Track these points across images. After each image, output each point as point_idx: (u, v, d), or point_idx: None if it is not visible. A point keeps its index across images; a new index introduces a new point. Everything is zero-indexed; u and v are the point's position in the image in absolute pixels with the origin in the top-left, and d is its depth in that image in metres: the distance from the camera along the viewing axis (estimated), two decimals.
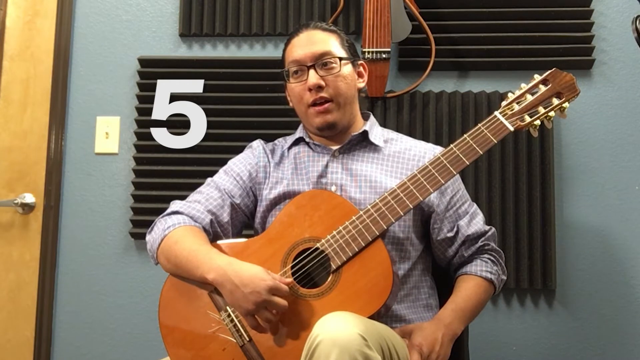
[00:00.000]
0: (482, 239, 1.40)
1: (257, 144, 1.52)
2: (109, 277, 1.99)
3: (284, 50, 1.46)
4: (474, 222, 1.41)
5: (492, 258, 1.41)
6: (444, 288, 1.46)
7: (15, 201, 2.02)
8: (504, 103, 1.24)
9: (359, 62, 1.47)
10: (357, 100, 1.46)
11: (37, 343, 1.98)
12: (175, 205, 1.42)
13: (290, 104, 1.47)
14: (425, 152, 1.43)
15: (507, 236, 1.83)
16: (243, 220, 1.47)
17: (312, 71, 1.37)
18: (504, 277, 1.42)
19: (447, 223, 1.39)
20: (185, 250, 1.29)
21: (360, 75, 1.47)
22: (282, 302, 1.18)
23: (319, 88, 1.36)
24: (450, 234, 1.39)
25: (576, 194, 1.88)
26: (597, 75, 1.92)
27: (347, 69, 1.40)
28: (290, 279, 1.23)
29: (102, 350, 1.97)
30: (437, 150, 1.44)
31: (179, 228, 1.35)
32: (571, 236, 1.87)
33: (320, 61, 1.37)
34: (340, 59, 1.39)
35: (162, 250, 1.34)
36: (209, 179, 1.47)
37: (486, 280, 1.37)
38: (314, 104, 1.38)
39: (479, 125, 1.25)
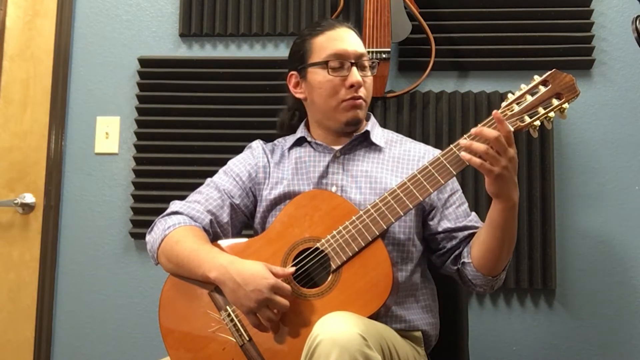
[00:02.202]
0: None
1: (257, 144, 1.52)
2: (109, 277, 1.99)
3: (312, 40, 1.42)
4: (480, 225, 1.40)
5: None
6: (443, 289, 1.46)
7: (15, 201, 2.02)
8: (504, 104, 1.24)
9: None
10: None
11: (37, 343, 1.98)
12: (175, 205, 1.42)
13: (302, 96, 1.45)
14: (425, 153, 1.43)
15: None
16: (243, 221, 1.46)
17: (355, 68, 1.38)
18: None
19: (447, 221, 1.37)
20: (187, 249, 1.29)
21: None
22: (283, 301, 1.18)
23: (359, 87, 1.38)
24: (450, 225, 1.37)
25: (576, 194, 1.88)
26: (597, 75, 1.92)
27: (374, 73, 1.44)
28: (292, 269, 1.23)
29: (102, 350, 1.97)
30: (437, 152, 1.44)
31: (179, 228, 1.35)
32: (571, 236, 1.87)
33: (361, 61, 1.39)
34: (377, 63, 1.44)
35: (163, 250, 1.34)
36: (208, 179, 1.47)
37: None
38: (351, 99, 1.38)
39: (479, 125, 1.24)
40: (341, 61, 1.38)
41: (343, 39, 1.40)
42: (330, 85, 1.38)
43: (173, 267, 1.32)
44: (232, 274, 1.20)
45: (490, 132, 1.16)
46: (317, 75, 1.40)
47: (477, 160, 1.17)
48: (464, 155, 1.18)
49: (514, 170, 1.18)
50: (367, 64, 1.41)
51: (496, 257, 1.27)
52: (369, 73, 1.41)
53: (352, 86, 1.36)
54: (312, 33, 1.43)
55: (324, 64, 1.38)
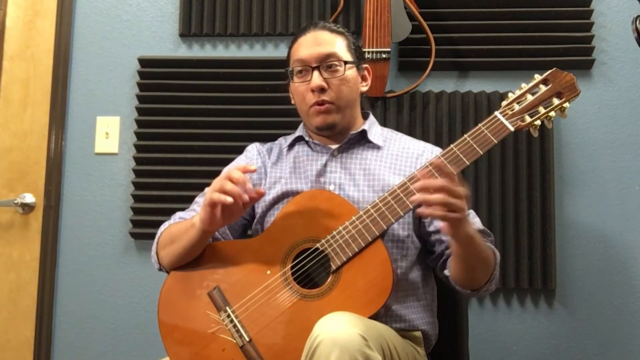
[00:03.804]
0: (484, 235, 1.35)
1: (251, 147, 1.53)
2: (109, 277, 1.99)
3: (290, 48, 1.45)
4: (476, 220, 1.39)
5: (492, 246, 1.34)
6: (444, 288, 1.46)
7: (15, 201, 2.02)
8: (504, 103, 1.24)
9: (364, 65, 1.47)
10: (358, 103, 1.47)
11: (37, 343, 1.98)
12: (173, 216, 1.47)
13: (293, 102, 1.48)
14: (424, 150, 1.43)
15: (507, 236, 1.83)
16: (243, 224, 1.47)
17: (316, 72, 1.37)
18: (497, 276, 1.36)
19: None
20: (178, 224, 1.35)
21: (364, 78, 1.47)
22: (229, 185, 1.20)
23: (322, 90, 1.36)
24: (441, 223, 1.34)
25: (576, 194, 1.88)
26: (597, 75, 1.92)
27: (351, 72, 1.40)
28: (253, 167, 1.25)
29: (102, 350, 1.97)
30: (436, 149, 1.44)
31: (169, 225, 1.40)
32: (571, 236, 1.87)
33: (325, 63, 1.37)
34: (345, 62, 1.38)
35: (161, 245, 1.37)
36: (206, 189, 1.47)
37: (489, 248, 1.30)
38: (315, 104, 1.38)
39: (479, 125, 1.24)
40: (304, 66, 1.39)
41: (307, 43, 1.40)
42: (299, 92, 1.41)
43: (170, 249, 1.33)
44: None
45: (436, 181, 1.14)
46: (292, 82, 1.43)
47: (439, 212, 1.13)
48: (423, 210, 1.14)
49: (468, 207, 1.17)
50: (336, 63, 1.37)
51: (471, 279, 1.28)
52: (339, 74, 1.37)
53: (313, 91, 1.36)
54: (293, 39, 1.45)
55: (292, 71, 1.41)
